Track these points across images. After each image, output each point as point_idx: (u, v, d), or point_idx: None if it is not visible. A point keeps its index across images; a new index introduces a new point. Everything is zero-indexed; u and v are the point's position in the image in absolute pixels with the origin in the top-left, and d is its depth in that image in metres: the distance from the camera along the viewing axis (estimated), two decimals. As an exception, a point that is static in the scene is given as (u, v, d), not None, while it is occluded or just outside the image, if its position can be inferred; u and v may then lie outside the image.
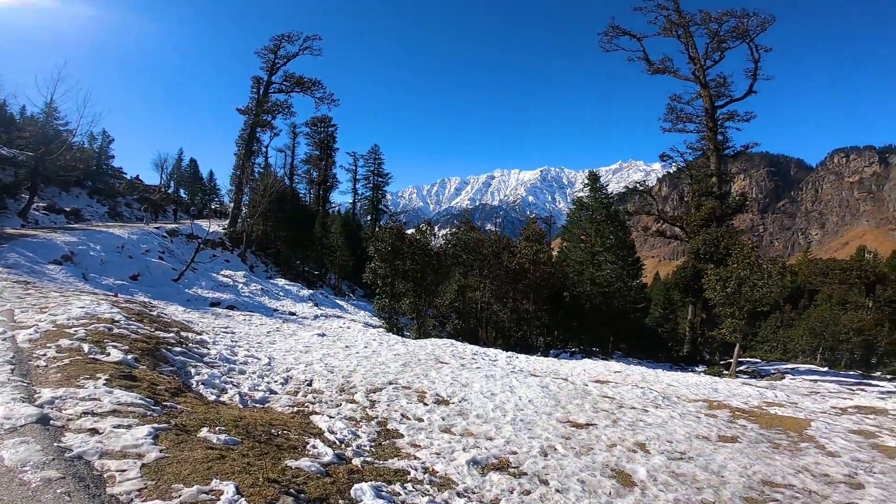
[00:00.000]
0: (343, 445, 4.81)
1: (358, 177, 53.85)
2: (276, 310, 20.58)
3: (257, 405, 6.26)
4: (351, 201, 54.35)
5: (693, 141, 30.56)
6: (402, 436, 5.40)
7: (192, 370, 6.51)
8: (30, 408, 3.47)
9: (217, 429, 4.19)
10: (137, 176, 50.80)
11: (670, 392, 9.90)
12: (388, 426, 5.69)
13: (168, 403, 4.48)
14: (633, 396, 8.70)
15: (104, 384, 4.30)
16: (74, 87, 38.20)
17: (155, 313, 8.93)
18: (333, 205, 53.62)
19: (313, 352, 9.58)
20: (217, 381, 6.52)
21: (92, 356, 5.00)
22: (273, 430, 4.83)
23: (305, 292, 27.26)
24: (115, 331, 6.24)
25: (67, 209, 28.84)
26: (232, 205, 36.95)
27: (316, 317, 21.42)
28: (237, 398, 6.19)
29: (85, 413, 3.64)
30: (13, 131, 31.16)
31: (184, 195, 58.44)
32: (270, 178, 33.30)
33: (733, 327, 18.21)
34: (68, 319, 6.24)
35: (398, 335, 16.12)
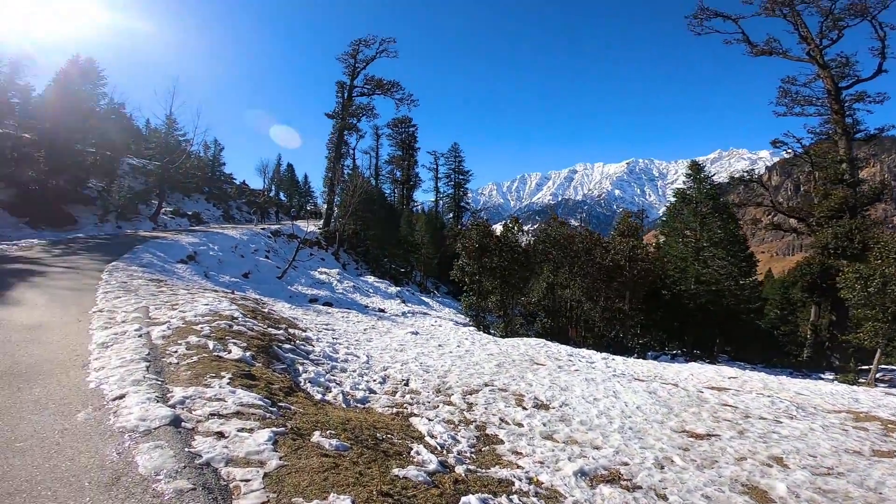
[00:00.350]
0: (444, 451, 4.65)
1: (439, 175, 54.70)
2: (366, 306, 21.34)
3: (359, 405, 6.34)
4: (433, 199, 55.29)
5: (815, 125, 27.05)
6: (501, 441, 5.18)
7: (300, 368, 6.75)
8: (163, 408, 3.65)
9: (328, 432, 4.20)
10: (244, 181, 55.86)
11: (802, 401, 8.64)
12: (487, 431, 5.46)
13: (283, 404, 4.59)
14: (759, 406, 7.69)
15: (228, 383, 4.49)
16: (188, 100, 42.97)
17: (266, 310, 9.53)
18: (416, 203, 54.94)
19: (408, 350, 9.64)
20: (322, 380, 6.70)
21: (216, 354, 5.30)
22: (378, 434, 4.80)
23: (393, 289, 28.04)
24: (235, 328, 6.64)
25: (189, 213, 32.35)
26: (325, 206, 39.08)
27: (404, 313, 21.88)
28: (340, 397, 6.30)
29: (212, 414, 3.77)
30: (141, 143, 35.56)
31: (283, 198, 63.23)
32: (359, 178, 34.72)
33: (875, 331, 15.74)
34: (195, 316, 6.74)
35: (486, 334, 15.88)
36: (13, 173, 20.70)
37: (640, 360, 14.12)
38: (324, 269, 26.11)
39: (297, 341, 7.91)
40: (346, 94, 37.55)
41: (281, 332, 7.73)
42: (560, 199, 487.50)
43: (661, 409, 7.03)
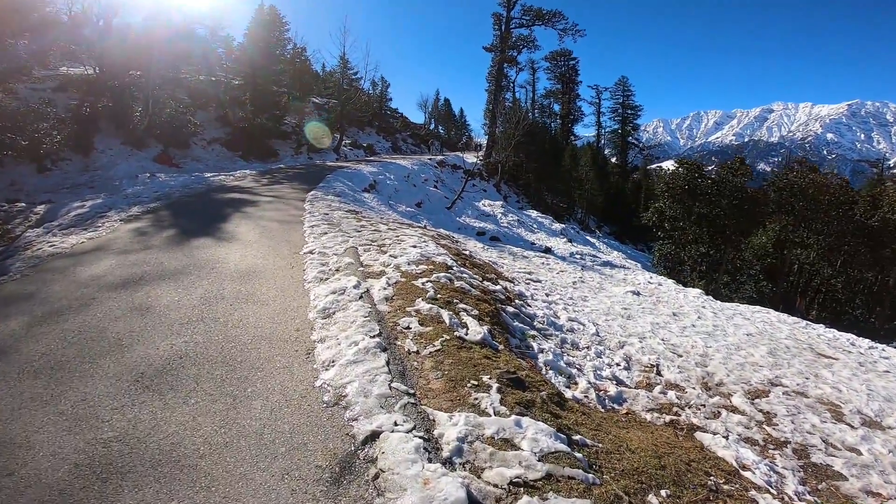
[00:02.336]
0: (774, 491, 3.08)
1: (602, 110, 48.36)
2: (533, 243, 19.23)
3: (615, 406, 4.50)
4: (594, 134, 49.35)
5: None
6: (842, 477, 3.55)
7: (534, 344, 4.89)
8: (447, 479, 1.88)
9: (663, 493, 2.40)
10: (402, 114, 56.30)
11: None
12: (812, 458, 3.73)
13: (577, 437, 2.68)
14: None
15: (500, 401, 2.67)
16: (357, 39, 43.68)
17: (467, 252, 7.91)
18: (577, 138, 49.81)
19: (636, 318, 7.24)
20: (561, 364, 4.78)
21: (456, 334, 3.62)
22: (704, 481, 2.82)
23: (557, 226, 25.31)
24: (456, 283, 5.00)
25: (364, 145, 33.18)
26: (486, 138, 37.31)
27: (571, 254, 19.22)
28: (592, 395, 4.43)
29: (513, 485, 1.98)
30: (321, 83, 37.19)
31: (441, 131, 62.85)
32: (522, 111, 31.68)
33: None
34: (409, 264, 5.25)
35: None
36: (226, 115, 22.66)
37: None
38: (487, 202, 24.50)
39: (515, 300, 6.07)
40: (503, 27, 34.08)
41: (498, 287, 5.94)
42: (747, 139, 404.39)
43: None
